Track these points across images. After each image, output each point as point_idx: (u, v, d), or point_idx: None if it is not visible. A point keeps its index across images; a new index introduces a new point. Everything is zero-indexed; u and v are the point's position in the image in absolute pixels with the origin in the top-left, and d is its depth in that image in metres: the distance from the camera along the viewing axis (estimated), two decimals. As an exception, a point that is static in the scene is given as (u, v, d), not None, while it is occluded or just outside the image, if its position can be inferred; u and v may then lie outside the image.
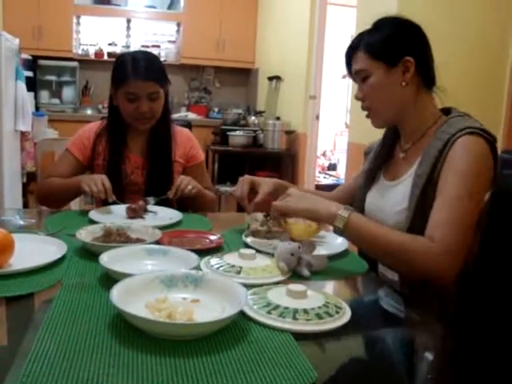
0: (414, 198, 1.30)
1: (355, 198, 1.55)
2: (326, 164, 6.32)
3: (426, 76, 1.37)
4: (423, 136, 1.38)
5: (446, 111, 1.40)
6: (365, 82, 1.38)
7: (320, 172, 5.94)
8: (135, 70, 1.81)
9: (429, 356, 0.90)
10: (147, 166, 1.93)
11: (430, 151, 1.30)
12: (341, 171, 5.89)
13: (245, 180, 1.55)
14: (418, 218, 1.29)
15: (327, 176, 5.97)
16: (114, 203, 1.71)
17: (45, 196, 1.91)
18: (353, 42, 1.41)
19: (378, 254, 1.23)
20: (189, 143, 2.03)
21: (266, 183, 1.55)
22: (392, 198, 1.38)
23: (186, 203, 1.89)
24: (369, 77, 1.37)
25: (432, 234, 1.18)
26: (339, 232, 1.23)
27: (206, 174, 2.09)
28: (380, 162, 1.52)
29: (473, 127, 1.26)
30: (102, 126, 1.97)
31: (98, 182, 1.68)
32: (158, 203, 1.79)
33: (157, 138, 1.95)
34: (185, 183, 1.77)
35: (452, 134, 1.27)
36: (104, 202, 1.76)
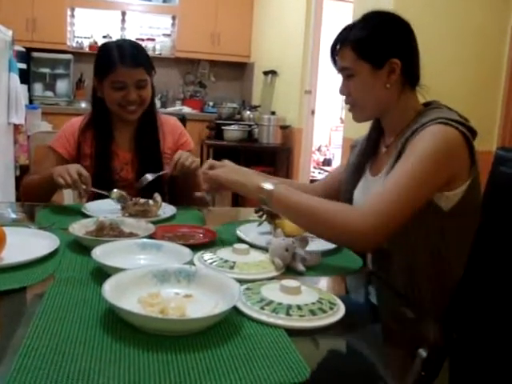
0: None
1: (341, 193, 1.56)
2: (321, 159, 6.31)
3: (410, 76, 1.37)
4: (403, 130, 1.37)
5: (428, 104, 1.40)
6: (349, 79, 1.38)
7: (315, 167, 5.93)
8: (122, 57, 1.76)
9: (422, 353, 0.90)
10: (136, 161, 1.88)
11: (400, 140, 1.31)
12: (336, 166, 5.88)
13: (207, 161, 1.53)
14: None
15: (322, 171, 5.97)
16: (98, 195, 1.65)
17: (25, 194, 1.83)
18: (340, 36, 1.40)
19: (304, 222, 1.24)
20: (176, 132, 1.98)
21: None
22: None
23: (180, 184, 1.82)
24: (354, 75, 1.36)
25: (363, 203, 1.20)
26: (264, 203, 1.25)
27: None
28: (366, 158, 1.52)
29: (446, 118, 1.25)
30: (85, 121, 1.91)
31: (71, 171, 1.56)
32: (154, 185, 1.73)
33: (144, 131, 1.90)
34: (184, 157, 1.70)
35: (422, 123, 1.28)
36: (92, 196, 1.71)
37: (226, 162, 1.41)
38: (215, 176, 1.32)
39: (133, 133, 1.91)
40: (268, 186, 1.24)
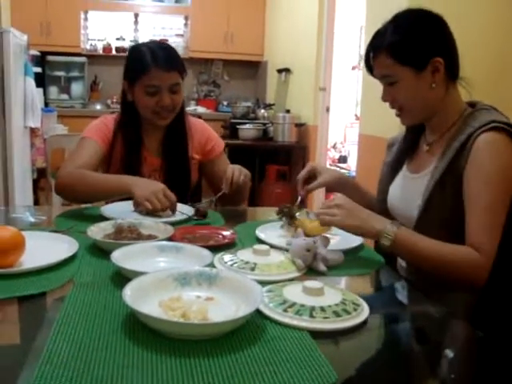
0: (428, 190, 1.28)
1: (377, 193, 1.52)
2: (337, 156, 6.28)
3: (453, 71, 1.32)
4: (449, 129, 1.34)
5: (472, 104, 1.36)
6: (392, 86, 1.32)
7: (331, 164, 5.91)
8: (156, 60, 1.69)
9: (449, 353, 0.88)
10: (165, 167, 1.84)
11: (452, 145, 1.27)
12: (351, 163, 5.85)
13: (308, 164, 1.55)
14: (429, 210, 1.28)
15: (338, 168, 5.94)
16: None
17: (70, 186, 1.63)
18: (373, 42, 1.33)
19: (424, 267, 1.21)
20: (203, 136, 1.93)
21: (327, 173, 1.53)
22: (414, 191, 1.36)
23: (228, 198, 1.72)
24: (397, 82, 1.30)
25: (474, 242, 1.17)
26: (387, 249, 1.21)
27: (228, 162, 1.93)
28: (404, 154, 1.48)
29: (498, 121, 1.22)
30: (116, 123, 1.85)
31: (160, 195, 1.49)
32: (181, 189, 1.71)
33: (173, 136, 1.85)
34: (237, 174, 1.66)
35: (476, 127, 1.24)
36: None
37: (339, 199, 1.28)
38: (331, 223, 1.27)
39: (162, 137, 1.87)
40: (389, 230, 1.20)
